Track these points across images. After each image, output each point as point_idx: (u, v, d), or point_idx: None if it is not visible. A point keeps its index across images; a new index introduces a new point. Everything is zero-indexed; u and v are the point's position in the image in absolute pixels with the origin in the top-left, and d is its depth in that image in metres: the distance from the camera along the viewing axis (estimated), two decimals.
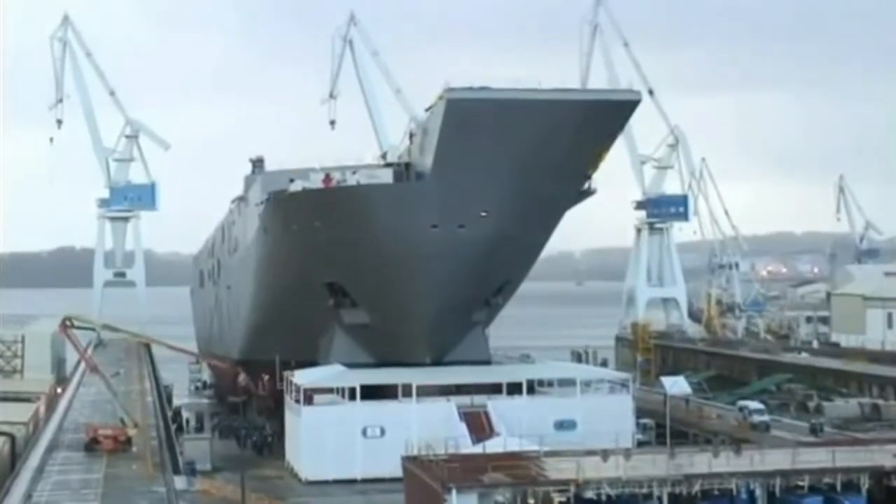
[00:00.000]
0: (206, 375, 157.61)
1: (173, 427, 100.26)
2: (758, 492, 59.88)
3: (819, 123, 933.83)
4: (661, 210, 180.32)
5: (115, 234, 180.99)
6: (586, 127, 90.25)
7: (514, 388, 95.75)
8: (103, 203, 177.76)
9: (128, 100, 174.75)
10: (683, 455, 66.82)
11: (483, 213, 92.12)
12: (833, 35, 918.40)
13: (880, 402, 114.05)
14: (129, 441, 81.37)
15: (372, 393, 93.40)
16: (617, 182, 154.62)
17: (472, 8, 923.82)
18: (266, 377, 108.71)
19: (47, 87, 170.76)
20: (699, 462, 63.65)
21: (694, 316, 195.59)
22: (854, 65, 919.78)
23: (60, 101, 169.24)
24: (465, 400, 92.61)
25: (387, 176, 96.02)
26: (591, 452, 65.35)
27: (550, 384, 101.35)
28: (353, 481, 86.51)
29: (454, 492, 56.64)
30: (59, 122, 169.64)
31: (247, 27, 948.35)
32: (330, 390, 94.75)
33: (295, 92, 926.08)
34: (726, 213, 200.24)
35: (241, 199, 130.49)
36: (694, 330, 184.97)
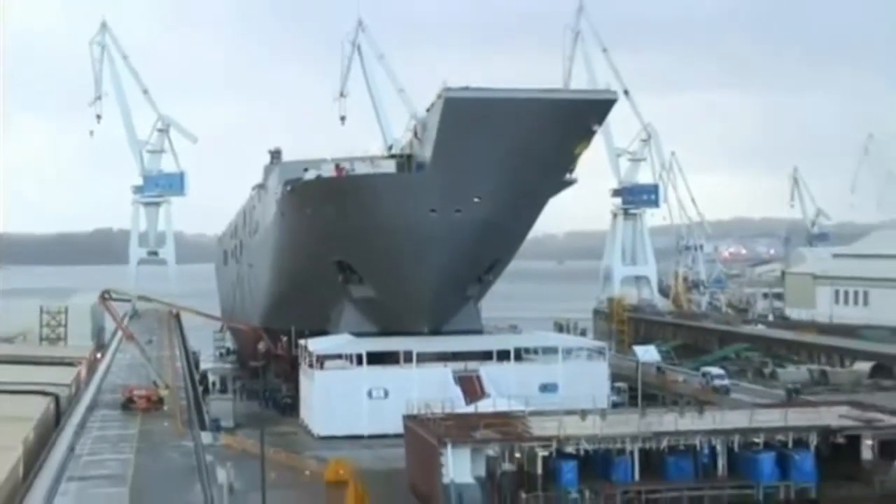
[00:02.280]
0: (230, 343, 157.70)
1: (200, 389, 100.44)
2: (718, 448, 60.04)
3: (774, 120, 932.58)
4: (635, 197, 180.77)
5: (149, 218, 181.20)
6: (568, 123, 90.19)
7: (503, 355, 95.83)
8: (138, 190, 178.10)
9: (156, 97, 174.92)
10: (653, 415, 66.99)
11: (476, 200, 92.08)
12: (786, 38, 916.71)
13: (828, 368, 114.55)
14: (160, 401, 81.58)
15: (377, 359, 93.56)
16: (595, 172, 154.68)
17: (467, 16, 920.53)
18: (284, 339, 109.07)
19: (87, 85, 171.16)
20: (667, 421, 63.78)
21: (663, 292, 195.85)
22: (803, 65, 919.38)
23: (99, 98, 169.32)
24: (460, 365, 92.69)
25: (391, 166, 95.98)
26: (571, 412, 65.50)
27: (535, 352, 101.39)
28: (359, 437, 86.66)
29: (449, 447, 56.81)
30: (99, 117, 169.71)
31: (257, 33, 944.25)
32: (339, 356, 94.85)
33: (307, 90, 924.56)
34: (693, 200, 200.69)
35: (261, 187, 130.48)
36: (663, 304, 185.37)
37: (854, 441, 61.14)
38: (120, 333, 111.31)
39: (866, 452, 60.88)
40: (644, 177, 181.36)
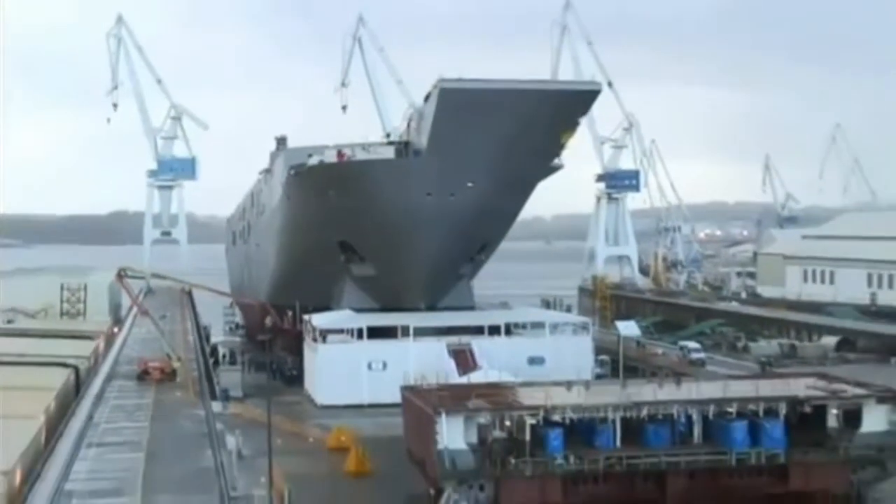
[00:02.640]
0: (238, 318, 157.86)
1: (211, 361, 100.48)
2: (694, 416, 60.07)
3: (749, 112, 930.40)
4: (617, 182, 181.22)
5: (162, 200, 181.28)
6: (556, 112, 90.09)
7: (494, 330, 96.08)
8: (152, 174, 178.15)
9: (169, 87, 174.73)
10: (633, 386, 67.26)
11: (470, 184, 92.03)
12: (756, 37, 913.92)
13: (796, 342, 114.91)
14: (174, 372, 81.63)
15: (376, 333, 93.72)
16: (581, 159, 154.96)
17: (461, 14, 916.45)
18: (290, 314, 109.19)
19: (104, 76, 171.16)
20: (646, 392, 63.93)
21: (643, 271, 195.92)
22: (775, 60, 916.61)
23: (115, 88, 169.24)
24: (454, 339, 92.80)
25: (389, 152, 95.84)
26: (557, 383, 65.57)
27: (524, 326, 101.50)
28: (360, 406, 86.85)
29: (444, 415, 56.84)
30: (115, 105, 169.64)
31: (264, 27, 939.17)
32: (341, 331, 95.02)
33: (311, 82, 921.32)
34: (672, 185, 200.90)
35: (268, 171, 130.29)
36: (643, 282, 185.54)
37: (820, 410, 61.29)
38: (135, 309, 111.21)
39: (832, 421, 61.06)
40: (626, 163, 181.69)
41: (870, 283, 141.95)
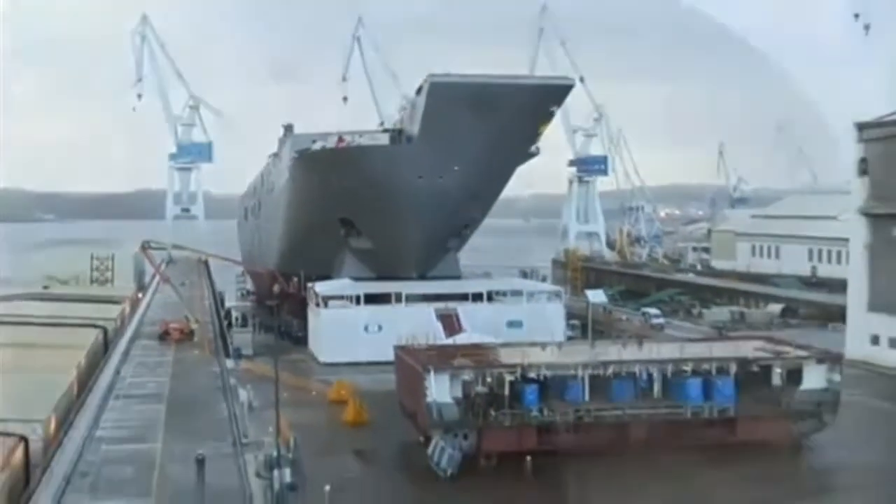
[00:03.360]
0: (249, 285, 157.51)
1: (225, 323, 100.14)
2: (654, 374, 60.28)
3: (707, 104, 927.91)
4: (588, 167, 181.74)
5: (182, 180, 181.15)
6: (533, 104, 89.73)
7: (478, 297, 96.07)
8: (172, 157, 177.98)
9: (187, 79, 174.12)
10: (601, 347, 67.33)
11: (456, 168, 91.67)
12: (718, 38, 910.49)
13: (745, 309, 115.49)
14: (192, 333, 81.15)
15: (372, 299, 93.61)
16: (555, 146, 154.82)
17: (453, 16, 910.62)
18: (296, 280, 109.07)
19: (129, 69, 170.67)
20: (612, 352, 64.05)
21: (610, 245, 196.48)
22: (732, 59, 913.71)
23: (140, 80, 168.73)
24: (441, 305, 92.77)
25: (384, 139, 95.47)
26: (533, 344, 65.73)
27: (504, 294, 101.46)
28: (357, 364, 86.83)
29: (432, 372, 56.93)
30: (140, 95, 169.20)
31: (270, 27, 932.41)
32: (341, 297, 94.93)
33: (316, 76, 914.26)
34: (636, 169, 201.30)
35: (276, 155, 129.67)
36: (610, 255, 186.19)
37: (766, 370, 61.60)
38: (157, 277, 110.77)
39: (776, 379, 61.39)
40: (596, 150, 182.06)
41: (810, 258, 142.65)
